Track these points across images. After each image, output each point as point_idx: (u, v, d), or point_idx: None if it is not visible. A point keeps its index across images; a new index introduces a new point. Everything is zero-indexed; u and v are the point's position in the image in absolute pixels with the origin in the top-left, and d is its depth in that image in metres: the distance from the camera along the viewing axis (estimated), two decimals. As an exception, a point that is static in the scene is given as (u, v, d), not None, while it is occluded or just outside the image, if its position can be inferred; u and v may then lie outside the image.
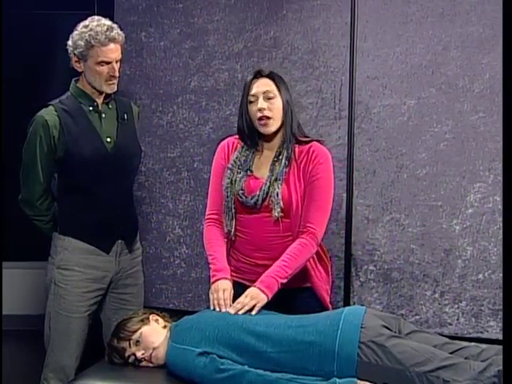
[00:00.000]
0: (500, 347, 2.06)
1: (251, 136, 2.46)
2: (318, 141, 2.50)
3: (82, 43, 2.44)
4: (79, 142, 2.49)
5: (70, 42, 2.49)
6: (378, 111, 2.86)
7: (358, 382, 2.05)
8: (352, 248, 2.91)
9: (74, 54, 2.49)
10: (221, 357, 2.15)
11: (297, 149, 2.45)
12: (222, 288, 2.34)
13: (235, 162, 2.47)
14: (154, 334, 2.30)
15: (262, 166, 2.47)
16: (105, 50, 2.45)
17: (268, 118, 2.40)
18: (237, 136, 2.53)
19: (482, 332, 2.79)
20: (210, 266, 2.43)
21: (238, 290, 2.38)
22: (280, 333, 2.17)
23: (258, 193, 2.41)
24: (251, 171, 2.47)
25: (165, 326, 2.36)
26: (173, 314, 2.49)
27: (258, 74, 2.45)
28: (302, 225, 2.40)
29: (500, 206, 2.73)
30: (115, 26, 2.49)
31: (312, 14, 2.92)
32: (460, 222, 2.79)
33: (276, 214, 2.38)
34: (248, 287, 2.35)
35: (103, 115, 2.58)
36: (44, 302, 2.64)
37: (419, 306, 2.86)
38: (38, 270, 3.56)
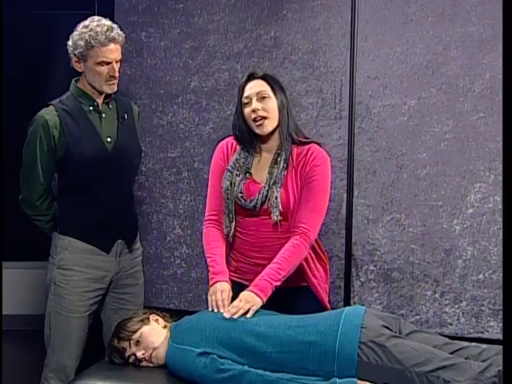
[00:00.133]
0: (500, 347, 2.06)
1: (247, 138, 2.46)
2: (317, 143, 2.49)
3: (82, 43, 2.44)
4: (79, 142, 2.49)
5: (70, 42, 2.48)
6: (379, 111, 2.86)
7: (359, 382, 2.05)
8: (352, 248, 2.91)
9: (74, 55, 2.49)
10: (221, 357, 2.16)
11: (295, 150, 2.44)
12: (220, 289, 2.34)
13: (234, 164, 2.46)
14: (154, 334, 2.30)
15: (261, 169, 2.46)
16: (105, 50, 2.44)
17: (263, 118, 2.40)
18: None
19: (482, 332, 2.79)
20: (209, 268, 2.43)
21: (239, 290, 2.37)
22: (280, 333, 2.17)
23: (256, 196, 2.41)
24: (250, 174, 2.46)
25: (165, 326, 2.36)
26: (173, 314, 2.49)
27: (252, 76, 2.44)
28: (295, 225, 2.39)
29: (500, 206, 2.73)
30: (115, 26, 2.49)
31: (312, 14, 2.92)
32: (460, 222, 2.79)
33: (275, 218, 2.38)
34: (248, 287, 2.35)
35: (103, 115, 2.57)
36: (44, 302, 2.64)
37: (419, 306, 2.86)
38: (38, 270, 3.57)
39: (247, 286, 2.35)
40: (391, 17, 2.83)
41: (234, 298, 2.33)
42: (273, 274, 2.32)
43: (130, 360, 2.30)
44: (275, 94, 2.42)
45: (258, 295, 2.28)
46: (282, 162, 2.42)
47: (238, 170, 2.45)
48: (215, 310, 2.30)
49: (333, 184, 2.85)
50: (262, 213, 2.42)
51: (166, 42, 3.11)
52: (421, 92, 2.81)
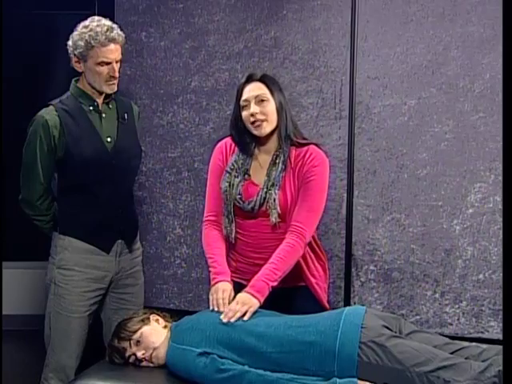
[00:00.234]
0: (500, 347, 2.06)
1: (245, 140, 2.46)
2: (316, 144, 2.49)
3: (81, 43, 2.44)
4: (79, 141, 2.49)
5: (70, 43, 2.48)
6: (379, 111, 2.86)
7: (359, 382, 2.05)
8: (352, 248, 2.91)
9: (74, 55, 2.49)
10: (221, 357, 2.16)
11: (293, 152, 2.44)
12: (222, 289, 2.33)
13: (233, 165, 2.46)
14: (155, 334, 2.30)
15: (260, 171, 2.46)
16: (105, 50, 2.44)
17: (261, 120, 2.39)
18: None
19: (482, 332, 2.79)
20: (210, 268, 2.43)
21: (238, 289, 2.38)
22: (280, 333, 2.17)
23: (255, 198, 2.41)
24: (249, 175, 2.46)
25: (165, 326, 2.36)
26: (173, 314, 2.49)
27: (250, 79, 2.44)
28: (291, 224, 2.39)
29: (500, 206, 2.73)
30: (115, 26, 2.49)
31: (312, 14, 2.92)
32: (460, 222, 2.79)
33: (273, 220, 2.39)
34: (246, 287, 2.35)
35: (103, 115, 2.57)
36: (44, 302, 2.64)
37: (420, 306, 2.86)
38: (38, 270, 3.57)
39: (246, 286, 2.35)
40: (391, 17, 2.83)
41: (233, 298, 2.33)
42: (269, 274, 2.32)
43: (131, 360, 2.30)
44: (273, 96, 2.42)
45: (254, 296, 2.28)
46: (280, 164, 2.42)
47: (236, 172, 2.45)
48: (215, 309, 2.29)
49: (333, 184, 2.87)
50: (260, 214, 2.43)
51: (166, 42, 3.11)
52: (421, 92, 2.81)
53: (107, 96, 2.58)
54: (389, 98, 2.84)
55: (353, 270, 2.92)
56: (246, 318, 2.23)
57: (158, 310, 2.49)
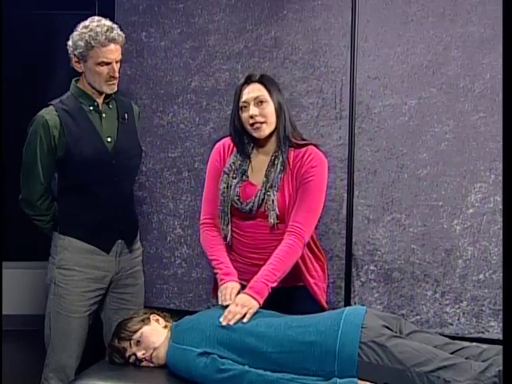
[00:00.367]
0: (501, 347, 2.06)
1: (244, 141, 2.46)
2: (315, 144, 2.49)
3: (81, 44, 2.44)
4: (79, 142, 2.49)
5: (70, 43, 2.48)
6: (379, 111, 2.86)
7: (359, 382, 2.05)
8: (353, 248, 2.91)
9: (74, 55, 2.48)
10: (221, 357, 2.16)
11: (292, 153, 2.44)
12: (231, 286, 2.33)
13: (231, 166, 2.46)
14: (155, 334, 2.30)
15: (258, 171, 2.46)
16: (105, 50, 2.44)
17: (260, 122, 2.39)
18: None
19: (482, 332, 2.79)
20: (217, 270, 2.43)
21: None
22: (280, 333, 2.17)
23: (253, 199, 2.41)
24: (247, 176, 2.46)
25: (165, 326, 2.36)
26: (173, 314, 2.49)
27: (249, 80, 2.43)
28: (289, 224, 2.38)
29: (501, 206, 2.73)
30: (115, 26, 2.48)
31: (313, 14, 2.92)
32: (461, 222, 2.79)
33: (272, 221, 2.39)
34: (245, 287, 2.35)
35: (103, 115, 2.57)
36: (44, 302, 2.64)
37: (420, 306, 2.86)
38: (38, 270, 3.57)
39: (245, 286, 2.36)
40: (392, 17, 2.83)
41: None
42: (268, 275, 2.31)
43: (131, 360, 2.30)
44: (272, 97, 2.41)
45: (254, 298, 2.27)
46: (278, 165, 2.41)
47: (234, 173, 2.45)
48: (225, 303, 2.28)
49: (333, 184, 2.87)
50: (258, 215, 2.43)
51: (167, 42, 3.11)
52: (421, 92, 2.81)
53: (107, 96, 2.57)
54: (389, 98, 2.84)
55: (353, 269, 2.92)
56: (245, 320, 2.23)
57: (159, 310, 2.49)
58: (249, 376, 2.10)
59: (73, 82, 2.57)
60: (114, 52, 2.46)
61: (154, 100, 3.14)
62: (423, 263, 2.84)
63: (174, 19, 3.09)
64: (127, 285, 2.70)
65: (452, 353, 2.13)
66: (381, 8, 2.84)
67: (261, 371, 2.11)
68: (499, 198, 2.73)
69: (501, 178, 2.71)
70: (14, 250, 3.59)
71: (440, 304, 2.83)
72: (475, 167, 2.77)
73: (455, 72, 2.77)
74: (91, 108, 2.55)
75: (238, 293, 2.32)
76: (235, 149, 2.50)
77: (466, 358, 2.10)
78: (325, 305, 2.53)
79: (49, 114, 2.49)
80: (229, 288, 2.32)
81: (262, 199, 2.40)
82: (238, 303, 2.26)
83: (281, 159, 2.42)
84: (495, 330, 2.77)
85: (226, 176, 2.46)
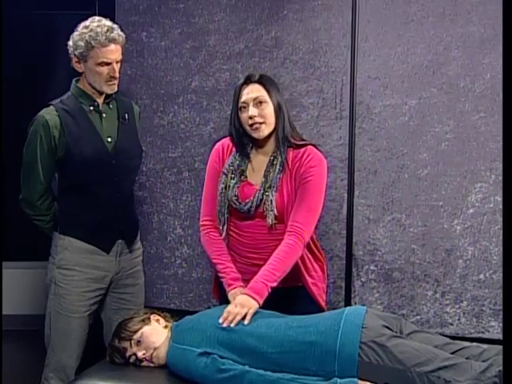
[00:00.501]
0: (501, 347, 2.06)
1: (243, 142, 2.46)
2: (314, 145, 2.49)
3: (82, 44, 2.44)
4: (80, 142, 2.49)
5: (70, 43, 2.48)
6: (379, 111, 2.85)
7: (359, 382, 2.05)
8: (353, 248, 2.91)
9: (75, 55, 2.48)
10: (222, 357, 2.16)
11: (291, 153, 2.44)
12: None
13: (229, 166, 2.46)
14: (155, 334, 2.30)
15: (257, 171, 2.46)
16: (105, 50, 2.44)
17: (260, 123, 2.39)
18: None
19: (483, 332, 2.79)
20: (223, 275, 2.43)
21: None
22: (281, 333, 2.17)
23: (251, 199, 2.41)
24: (245, 177, 2.46)
25: (166, 326, 2.36)
26: (174, 314, 2.49)
27: (248, 80, 2.43)
28: (289, 224, 2.38)
29: (501, 206, 2.73)
30: (116, 26, 2.48)
31: (313, 14, 2.92)
32: (461, 222, 2.79)
33: (270, 222, 2.39)
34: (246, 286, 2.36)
35: (104, 115, 2.57)
36: (44, 302, 2.64)
37: (420, 306, 2.85)
38: (38, 270, 3.57)
39: (246, 286, 2.36)
40: (392, 17, 2.83)
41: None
42: (267, 275, 2.31)
43: (131, 360, 2.30)
44: (271, 97, 2.41)
45: (253, 298, 2.27)
46: (277, 166, 2.41)
47: (232, 173, 2.45)
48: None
49: (333, 184, 2.87)
50: (257, 215, 2.43)
51: (167, 42, 3.11)
52: (421, 92, 2.81)
53: (108, 96, 2.57)
54: (389, 98, 2.84)
55: (353, 269, 2.92)
56: (246, 321, 2.22)
57: (159, 310, 2.49)
58: (249, 376, 2.10)
59: (73, 81, 2.57)
60: (114, 52, 2.46)
61: (154, 100, 3.14)
62: (423, 263, 2.84)
63: (174, 19, 3.09)
64: (127, 285, 2.70)
65: (452, 353, 2.13)
66: (381, 8, 2.83)
67: (261, 371, 2.12)
68: (499, 198, 2.73)
69: (501, 178, 2.71)
70: (14, 250, 3.59)
71: (440, 304, 2.83)
72: (475, 167, 2.77)
73: (455, 72, 2.77)
74: (91, 108, 2.55)
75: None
76: (234, 149, 2.50)
77: (467, 358, 2.10)
78: (323, 305, 2.53)
79: (49, 114, 2.49)
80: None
81: (261, 199, 2.40)
82: (238, 304, 2.26)
83: (280, 159, 2.42)
84: (495, 330, 2.77)
85: (224, 176, 2.46)
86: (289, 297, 2.46)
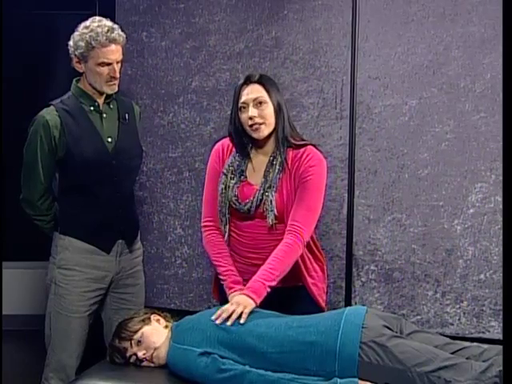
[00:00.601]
0: (501, 347, 2.06)
1: (243, 142, 2.46)
2: (313, 144, 2.48)
3: (82, 44, 2.43)
4: (80, 142, 2.49)
5: (70, 43, 2.48)
6: (380, 111, 2.86)
7: (360, 382, 2.05)
8: (353, 248, 2.91)
9: (75, 55, 2.48)
10: (222, 357, 2.16)
11: (291, 154, 2.44)
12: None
13: (229, 166, 2.46)
14: (156, 334, 2.30)
15: (256, 172, 2.46)
16: (105, 51, 2.44)
17: (260, 123, 2.39)
18: None
19: (483, 332, 2.79)
20: (225, 277, 2.43)
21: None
22: (281, 333, 2.17)
23: (251, 199, 2.41)
24: (245, 177, 2.46)
25: (166, 326, 2.35)
26: (174, 314, 2.49)
27: (248, 80, 2.42)
28: (289, 224, 2.38)
29: (501, 206, 2.73)
30: (116, 26, 2.48)
31: (313, 14, 2.92)
32: (461, 222, 2.79)
33: (270, 222, 2.39)
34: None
35: (104, 115, 2.57)
36: (44, 302, 2.64)
37: (420, 306, 2.86)
38: (38, 270, 3.58)
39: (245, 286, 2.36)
40: (392, 17, 2.83)
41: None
42: (266, 274, 2.31)
43: (131, 360, 2.30)
44: (271, 98, 2.41)
45: (250, 297, 2.27)
46: (277, 166, 2.41)
47: (232, 174, 2.45)
48: (229, 323, 2.23)
49: (334, 184, 2.87)
50: (257, 216, 2.43)
51: (167, 42, 3.11)
52: (422, 92, 2.81)
53: (108, 96, 2.57)
54: (390, 98, 2.84)
55: (354, 269, 2.92)
56: (242, 320, 2.21)
57: (159, 309, 2.49)
58: (249, 376, 2.10)
59: (74, 82, 2.57)
60: (114, 52, 2.46)
61: (154, 100, 3.14)
62: (424, 263, 2.84)
63: (174, 19, 3.09)
64: (128, 285, 2.70)
65: (453, 353, 2.13)
66: (381, 8, 2.83)
67: (261, 371, 2.11)
68: (500, 198, 2.73)
69: (501, 177, 2.71)
70: (14, 249, 3.59)
71: (441, 304, 2.83)
72: (476, 167, 2.77)
73: (456, 72, 2.77)
74: (92, 108, 2.55)
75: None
76: (234, 149, 2.50)
77: (467, 358, 2.10)
78: (323, 305, 2.53)
79: (49, 114, 2.49)
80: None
81: (260, 199, 2.40)
82: (234, 302, 2.26)
83: (279, 160, 2.42)
84: (496, 330, 2.77)
85: (224, 176, 2.46)
86: (289, 297, 2.46)
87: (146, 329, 2.30)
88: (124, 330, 2.32)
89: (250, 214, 2.43)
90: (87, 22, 2.47)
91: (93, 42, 2.42)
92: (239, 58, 3.01)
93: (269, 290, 2.30)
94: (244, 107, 2.40)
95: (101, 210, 2.56)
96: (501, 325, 2.75)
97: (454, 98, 2.77)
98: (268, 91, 2.41)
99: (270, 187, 2.40)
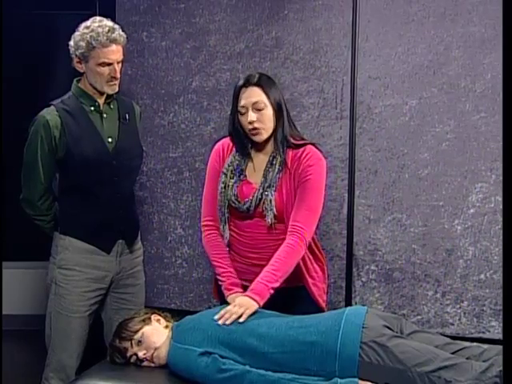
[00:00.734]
0: (502, 347, 2.06)
1: (243, 142, 2.46)
2: (313, 144, 2.48)
3: (83, 44, 2.43)
4: (80, 142, 2.49)
5: (71, 43, 2.48)
6: (380, 111, 2.86)
7: (360, 382, 2.05)
8: (354, 248, 2.91)
9: (76, 55, 2.48)
10: (222, 357, 2.15)
11: (290, 153, 2.43)
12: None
13: (229, 165, 2.46)
14: (156, 333, 2.30)
15: (256, 171, 2.46)
16: (106, 51, 2.44)
17: (259, 128, 2.38)
18: None
19: (483, 332, 2.79)
20: (223, 279, 2.43)
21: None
22: (282, 333, 2.17)
23: (250, 199, 2.41)
24: (245, 176, 2.46)
25: (166, 326, 2.35)
26: (174, 314, 2.49)
27: (247, 82, 2.40)
28: (290, 224, 2.38)
29: (502, 206, 2.73)
30: (117, 26, 2.48)
31: (314, 14, 2.92)
32: (462, 222, 2.79)
33: (269, 221, 2.38)
34: (246, 287, 2.36)
35: (104, 115, 2.57)
36: (45, 302, 2.64)
37: (421, 306, 2.86)
38: (38, 270, 3.57)
39: (246, 286, 2.37)
40: (392, 17, 2.83)
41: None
42: (268, 276, 2.31)
43: (132, 360, 2.30)
44: (270, 100, 2.39)
45: (253, 299, 2.27)
46: (277, 165, 2.41)
47: (232, 173, 2.45)
48: (228, 322, 2.23)
49: (334, 184, 2.87)
50: (256, 215, 2.42)
51: (168, 42, 3.11)
52: (422, 92, 2.81)
53: (108, 96, 2.57)
54: (390, 98, 2.84)
55: (354, 269, 2.92)
56: (241, 320, 2.21)
57: (160, 309, 2.49)
58: (250, 376, 2.10)
59: (74, 82, 2.57)
60: (115, 53, 2.46)
61: (154, 100, 3.14)
62: (424, 263, 2.84)
63: (174, 19, 3.09)
64: (128, 285, 2.70)
65: (453, 353, 2.13)
66: (382, 8, 2.84)
67: (262, 371, 2.11)
68: (500, 198, 2.73)
69: (501, 177, 2.71)
70: (14, 250, 3.58)
71: (441, 304, 2.83)
72: (476, 167, 2.77)
73: (456, 72, 2.77)
74: (92, 108, 2.55)
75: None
76: (234, 149, 2.50)
77: (467, 358, 2.10)
78: (323, 305, 2.52)
79: (50, 114, 2.49)
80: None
81: (260, 199, 2.40)
82: (236, 304, 2.26)
83: (279, 159, 2.42)
84: (496, 330, 2.77)
85: (224, 176, 2.46)
86: (289, 297, 2.46)
87: (146, 329, 2.30)
88: (124, 329, 2.31)
89: (250, 214, 2.43)
90: (88, 22, 2.47)
91: (93, 42, 2.42)
92: (239, 58, 3.01)
93: (272, 291, 2.30)
94: (243, 112, 2.40)
95: (101, 210, 2.56)
96: (501, 325, 2.75)
97: (454, 97, 2.78)
98: (267, 94, 2.39)
99: (269, 186, 2.40)
